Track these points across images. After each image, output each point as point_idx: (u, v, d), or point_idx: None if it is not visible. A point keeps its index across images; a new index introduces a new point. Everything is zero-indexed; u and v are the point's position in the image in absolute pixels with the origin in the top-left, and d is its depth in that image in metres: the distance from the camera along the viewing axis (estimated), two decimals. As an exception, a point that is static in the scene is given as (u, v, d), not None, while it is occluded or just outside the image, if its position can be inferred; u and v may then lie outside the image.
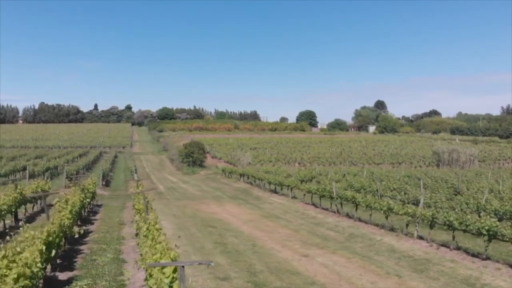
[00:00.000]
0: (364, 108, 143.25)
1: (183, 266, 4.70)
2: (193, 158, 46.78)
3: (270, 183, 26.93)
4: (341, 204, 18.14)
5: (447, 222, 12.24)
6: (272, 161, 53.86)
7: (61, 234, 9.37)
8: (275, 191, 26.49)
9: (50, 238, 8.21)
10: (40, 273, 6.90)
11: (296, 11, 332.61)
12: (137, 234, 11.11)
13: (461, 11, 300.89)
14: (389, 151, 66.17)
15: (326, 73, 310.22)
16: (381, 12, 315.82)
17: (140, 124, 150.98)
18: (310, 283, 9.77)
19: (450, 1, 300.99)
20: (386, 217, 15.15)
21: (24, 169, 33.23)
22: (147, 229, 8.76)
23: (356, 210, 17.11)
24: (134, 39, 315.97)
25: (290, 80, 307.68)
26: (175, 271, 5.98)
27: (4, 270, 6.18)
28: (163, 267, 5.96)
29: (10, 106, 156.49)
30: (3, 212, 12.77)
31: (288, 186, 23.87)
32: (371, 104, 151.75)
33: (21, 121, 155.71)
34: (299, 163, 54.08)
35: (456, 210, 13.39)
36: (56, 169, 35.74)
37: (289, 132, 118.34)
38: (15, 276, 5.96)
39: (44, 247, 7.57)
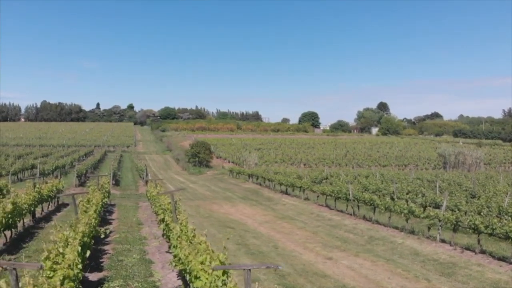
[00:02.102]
0: (367, 109, 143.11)
1: (249, 270, 4.60)
2: (199, 158, 46.68)
3: (281, 184, 26.80)
4: (358, 206, 18.02)
5: (473, 226, 12.12)
6: (278, 162, 53.71)
7: (91, 235, 9.28)
8: (286, 192, 26.36)
9: (85, 239, 8.12)
10: (80, 275, 6.79)
11: (297, 12, 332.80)
12: (164, 235, 11.01)
13: (461, 14, 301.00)
14: (394, 153, 66.06)
15: (327, 74, 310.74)
16: (381, 14, 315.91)
17: (142, 123, 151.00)
18: (341, 286, 9.67)
19: (449, 3, 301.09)
20: (407, 220, 15.04)
21: (33, 167, 33.17)
22: (181, 230, 8.67)
23: (374, 212, 17.00)
24: (136, 39, 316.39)
25: (291, 81, 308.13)
26: (224, 273, 5.89)
27: (48, 272, 6.09)
28: (213, 270, 5.86)
29: (12, 104, 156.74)
30: (24, 212, 12.67)
31: (301, 187, 23.74)
32: (372, 105, 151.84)
33: (23, 119, 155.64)
34: (304, 164, 53.93)
35: (482, 213, 13.28)
36: (64, 167, 35.65)
37: (291, 133, 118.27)
38: (61, 277, 5.87)
39: (79, 248, 7.48)
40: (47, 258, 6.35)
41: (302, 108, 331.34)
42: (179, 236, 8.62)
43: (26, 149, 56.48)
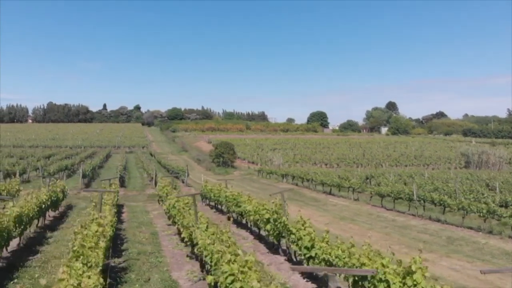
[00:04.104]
0: (375, 109, 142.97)
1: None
2: (224, 158, 46.57)
3: (323, 184, 26.66)
4: (424, 207, 17.89)
5: None
6: (299, 162, 53.60)
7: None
8: (330, 193, 26.20)
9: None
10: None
11: (298, 12, 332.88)
12: (271, 235, 10.84)
13: (459, 12, 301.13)
14: (412, 153, 65.86)
15: (329, 74, 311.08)
16: (380, 13, 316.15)
17: (149, 124, 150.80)
18: (462, 287, 9.55)
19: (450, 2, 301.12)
20: (485, 220, 14.92)
21: (66, 168, 33.15)
22: (314, 230, 8.56)
23: (444, 212, 16.87)
24: (139, 40, 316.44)
25: (294, 81, 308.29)
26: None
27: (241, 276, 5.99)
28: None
29: (20, 105, 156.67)
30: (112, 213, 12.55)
31: (349, 187, 23.62)
32: (376, 104, 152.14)
33: (30, 121, 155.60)
34: (326, 164, 53.83)
35: None
36: (94, 169, 35.61)
37: (301, 133, 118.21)
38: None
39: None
40: (230, 261, 6.27)
41: (306, 108, 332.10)
42: (312, 238, 8.52)
43: (47, 150, 56.41)
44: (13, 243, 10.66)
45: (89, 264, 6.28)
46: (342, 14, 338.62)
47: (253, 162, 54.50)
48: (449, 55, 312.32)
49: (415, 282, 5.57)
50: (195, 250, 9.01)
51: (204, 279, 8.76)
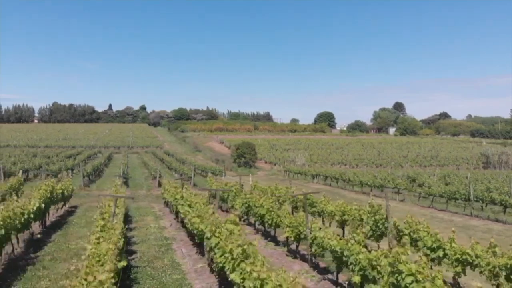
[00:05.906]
0: (383, 109, 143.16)
1: None
2: (246, 159, 46.65)
3: (362, 184, 26.70)
4: (482, 207, 17.96)
5: None
6: (318, 162, 53.66)
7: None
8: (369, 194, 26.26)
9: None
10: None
11: (297, 13, 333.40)
12: (380, 235, 10.86)
13: (456, 13, 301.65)
14: (427, 153, 65.93)
15: (329, 75, 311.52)
16: (382, 14, 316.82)
17: (155, 124, 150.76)
18: None
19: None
20: (554, 221, 14.97)
21: (97, 169, 33.21)
22: (438, 232, 8.62)
23: (504, 212, 16.94)
24: (145, 41, 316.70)
25: (295, 82, 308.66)
26: None
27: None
28: None
29: (26, 105, 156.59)
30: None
31: (394, 188, 23.68)
32: (381, 105, 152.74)
33: (36, 121, 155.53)
34: (345, 165, 53.90)
35: None
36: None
37: (309, 133, 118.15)
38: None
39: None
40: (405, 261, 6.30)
41: (310, 108, 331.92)
42: (438, 239, 8.58)
43: (65, 151, 56.44)
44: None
45: (256, 264, 6.34)
46: (345, 14, 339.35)
47: (271, 162, 54.56)
48: (449, 55, 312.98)
49: None
50: (312, 249, 9.04)
51: (325, 279, 8.81)
